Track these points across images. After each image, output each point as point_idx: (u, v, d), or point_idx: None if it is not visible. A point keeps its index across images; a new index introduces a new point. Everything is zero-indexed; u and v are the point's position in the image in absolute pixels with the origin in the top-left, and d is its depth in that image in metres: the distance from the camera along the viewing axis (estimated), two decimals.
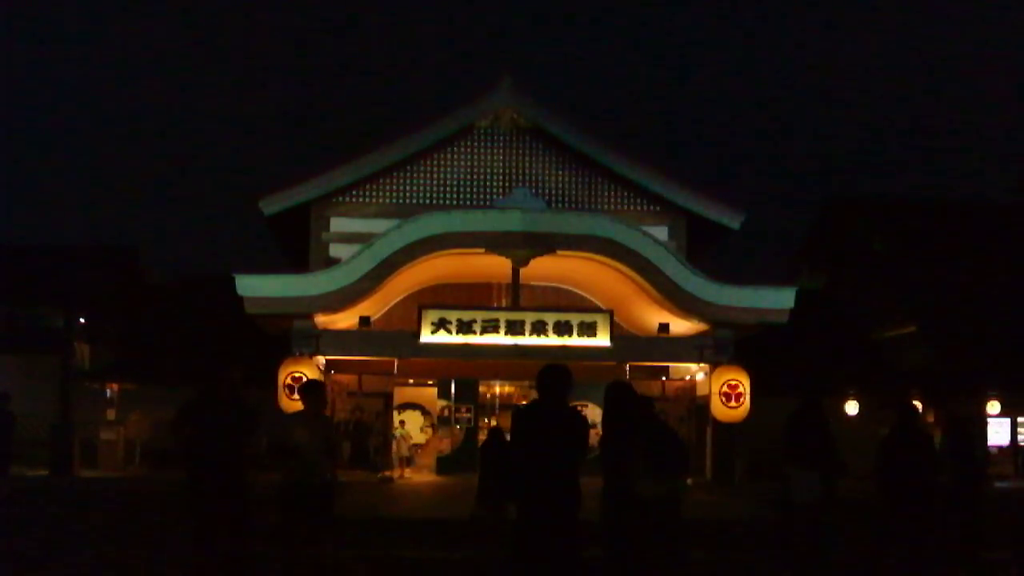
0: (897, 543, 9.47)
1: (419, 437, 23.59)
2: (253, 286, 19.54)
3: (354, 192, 23.97)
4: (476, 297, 22.49)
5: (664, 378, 23.88)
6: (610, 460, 6.42)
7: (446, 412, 22.48)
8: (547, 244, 20.10)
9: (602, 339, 20.30)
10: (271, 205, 23.47)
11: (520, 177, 24.15)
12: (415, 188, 24.24)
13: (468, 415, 22.28)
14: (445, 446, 22.26)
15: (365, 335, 20.75)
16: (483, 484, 14.58)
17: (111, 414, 23.71)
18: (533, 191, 22.73)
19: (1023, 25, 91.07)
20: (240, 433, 7.97)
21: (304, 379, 15.70)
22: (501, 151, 24.43)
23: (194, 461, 7.87)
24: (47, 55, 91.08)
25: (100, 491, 17.79)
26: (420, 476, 21.84)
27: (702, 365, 21.46)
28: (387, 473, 21.13)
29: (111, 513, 14.34)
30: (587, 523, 6.25)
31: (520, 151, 24.43)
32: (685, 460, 6.59)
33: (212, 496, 7.75)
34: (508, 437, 6.68)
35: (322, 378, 20.89)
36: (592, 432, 6.43)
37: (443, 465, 21.88)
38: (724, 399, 20.24)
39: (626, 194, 24.43)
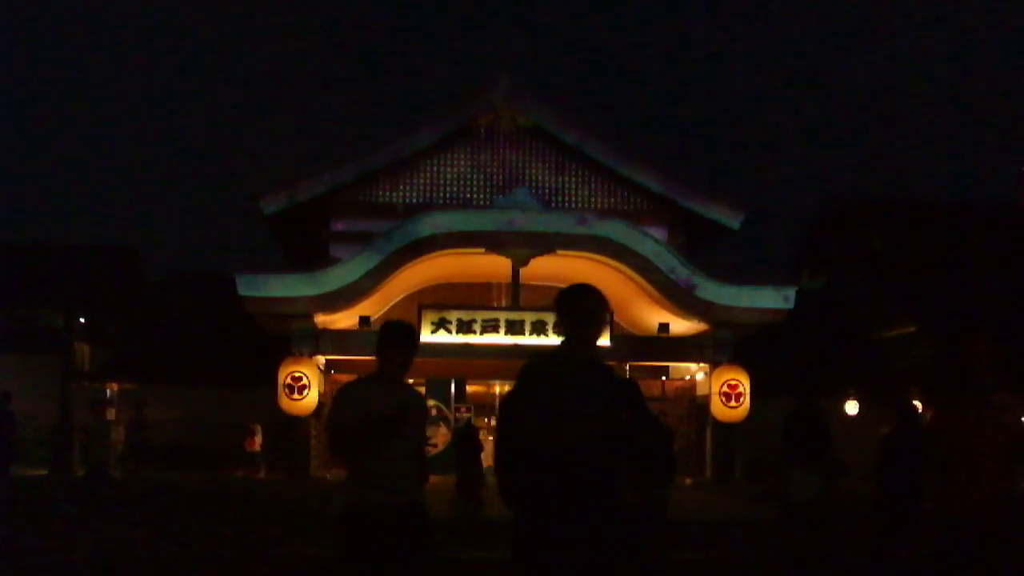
0: (897, 542, 9.46)
1: None
2: (253, 285, 19.55)
3: (354, 191, 23.94)
4: (476, 297, 22.48)
5: (664, 378, 23.86)
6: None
7: (440, 411, 22.44)
8: (547, 244, 20.11)
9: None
10: (271, 204, 23.43)
11: (520, 177, 24.13)
12: (415, 187, 24.20)
13: (468, 415, 22.25)
14: (440, 444, 22.23)
15: (365, 335, 20.74)
16: (461, 476, 15.07)
17: (111, 414, 23.70)
18: (533, 191, 22.71)
19: (1022, 25, 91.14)
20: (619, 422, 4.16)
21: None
22: (501, 151, 24.39)
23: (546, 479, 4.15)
24: (47, 54, 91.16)
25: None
26: None
27: (702, 365, 21.46)
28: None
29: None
30: None
31: (520, 151, 24.39)
32: (672, 470, 6.59)
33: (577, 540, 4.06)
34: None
35: (322, 378, 20.88)
36: None
37: (436, 463, 21.84)
38: (724, 399, 20.24)
39: (626, 194, 24.40)
